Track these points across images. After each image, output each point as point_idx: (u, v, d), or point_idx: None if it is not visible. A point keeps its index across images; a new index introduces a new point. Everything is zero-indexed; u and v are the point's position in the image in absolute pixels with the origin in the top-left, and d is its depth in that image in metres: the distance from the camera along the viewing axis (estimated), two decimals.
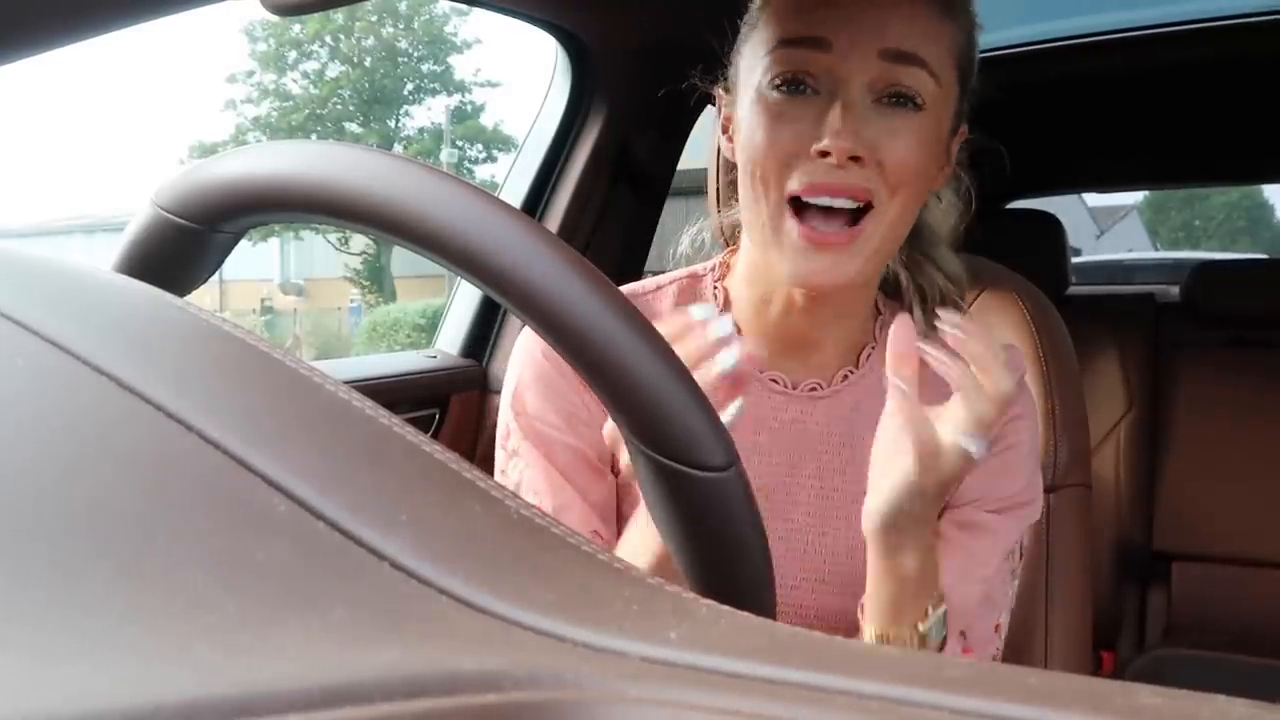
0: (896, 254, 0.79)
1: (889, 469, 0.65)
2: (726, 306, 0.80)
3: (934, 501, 0.66)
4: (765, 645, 0.21)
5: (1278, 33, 1.63)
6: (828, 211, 0.68)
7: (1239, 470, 1.94)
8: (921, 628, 0.68)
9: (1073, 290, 2.18)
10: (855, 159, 0.66)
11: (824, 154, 0.66)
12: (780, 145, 0.68)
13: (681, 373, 0.40)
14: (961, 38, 0.72)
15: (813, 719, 0.18)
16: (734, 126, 0.75)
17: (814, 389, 0.78)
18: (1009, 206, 2.41)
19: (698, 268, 0.84)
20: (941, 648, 0.69)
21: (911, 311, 0.80)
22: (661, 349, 0.40)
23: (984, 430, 0.62)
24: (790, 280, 0.70)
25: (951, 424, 0.63)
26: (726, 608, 0.24)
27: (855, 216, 0.68)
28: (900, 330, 0.64)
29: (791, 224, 0.68)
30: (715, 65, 0.79)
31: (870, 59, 0.67)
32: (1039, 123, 2.08)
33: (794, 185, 0.68)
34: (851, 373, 0.79)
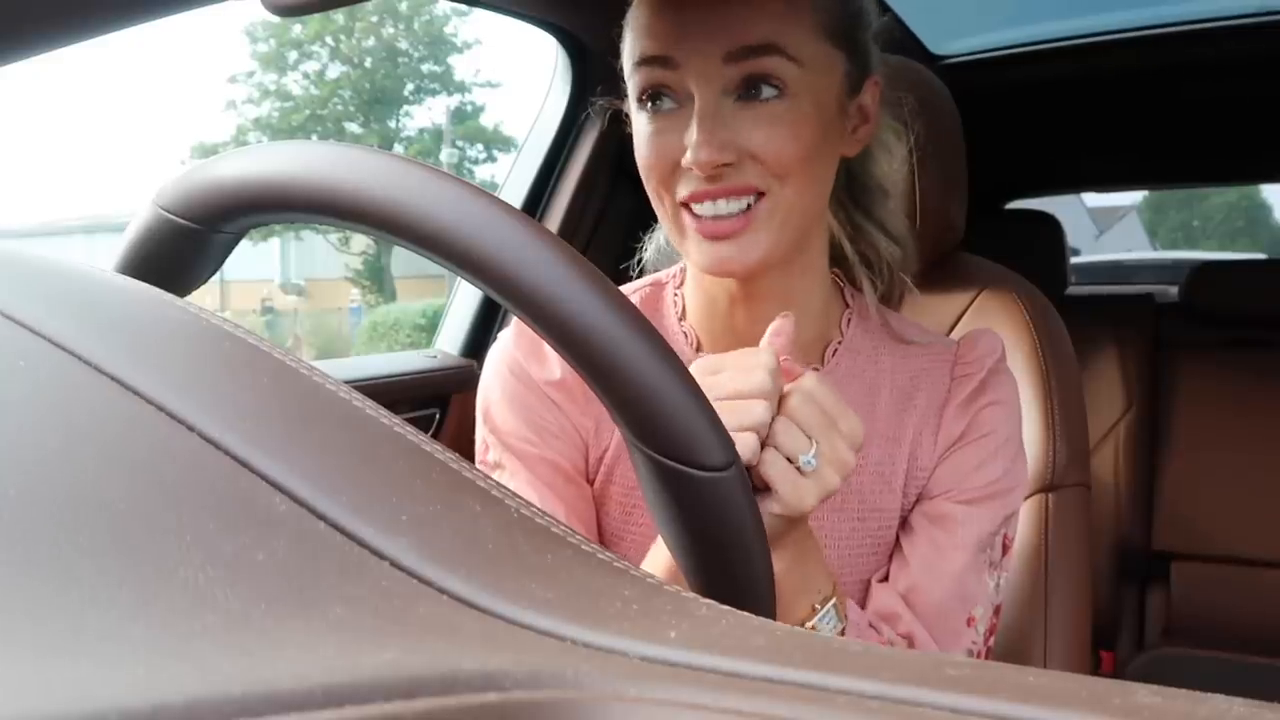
0: (838, 225, 0.79)
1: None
2: (684, 314, 0.80)
3: (802, 524, 0.64)
4: (765, 645, 0.21)
5: (1278, 33, 1.63)
6: (714, 219, 0.69)
7: (1238, 470, 1.94)
8: (809, 624, 0.66)
9: (1072, 290, 2.18)
10: (727, 164, 0.67)
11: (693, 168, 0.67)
12: (657, 160, 0.69)
13: (681, 373, 0.41)
14: (821, 5, 0.70)
15: (813, 719, 0.18)
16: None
17: None
18: (1008, 206, 2.41)
19: (660, 275, 0.84)
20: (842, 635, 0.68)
21: (860, 287, 0.80)
22: (662, 349, 0.40)
23: (805, 441, 0.59)
24: (702, 269, 0.71)
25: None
26: (726, 608, 0.24)
27: (747, 207, 0.69)
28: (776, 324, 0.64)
29: (689, 219, 0.69)
30: None
31: (716, 66, 0.67)
32: (1039, 123, 2.09)
33: (681, 194, 0.69)
34: (816, 369, 0.77)
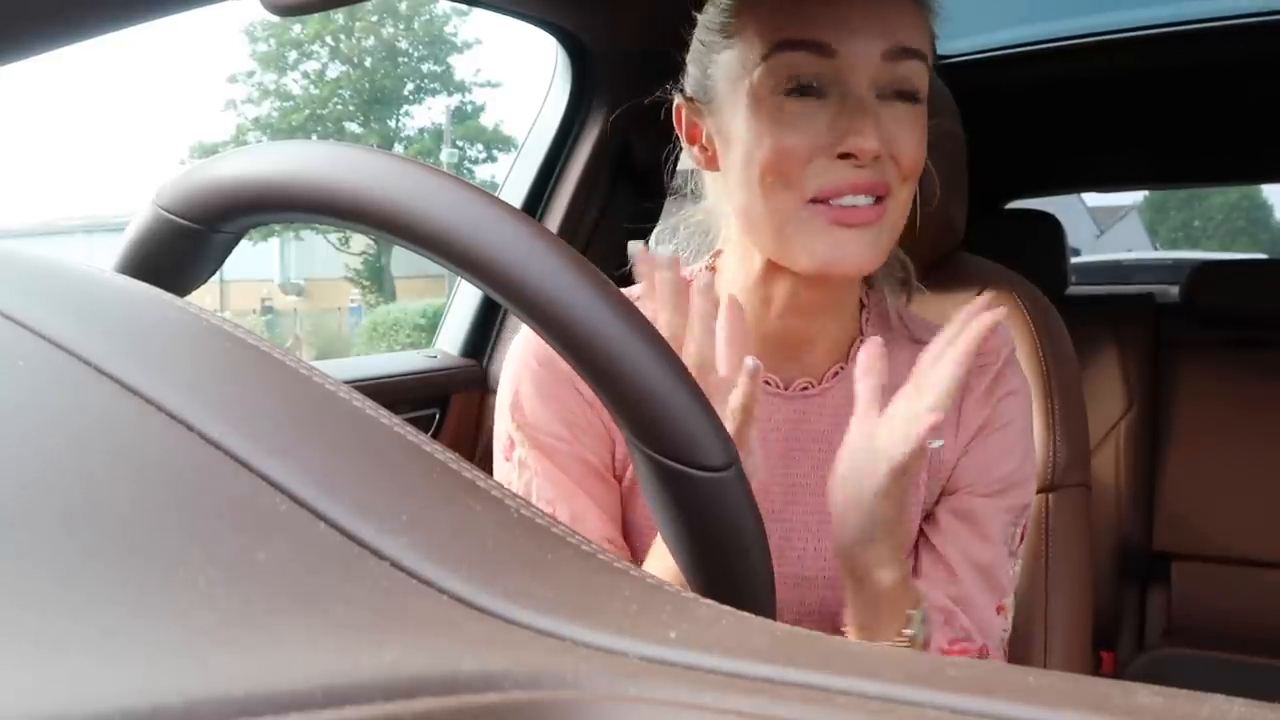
0: None
1: (855, 500, 0.65)
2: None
3: (899, 508, 0.65)
4: (765, 645, 0.21)
5: (1278, 33, 1.63)
6: (852, 208, 0.69)
7: (1239, 470, 1.94)
8: (907, 632, 0.68)
9: (1073, 290, 2.18)
10: (876, 157, 0.68)
11: (845, 155, 0.67)
12: (796, 150, 0.68)
13: (682, 373, 0.41)
14: (932, 20, 0.73)
15: (813, 719, 0.18)
16: (715, 134, 0.74)
17: (806, 388, 0.78)
18: (1008, 206, 2.41)
19: (684, 273, 0.83)
20: (926, 644, 0.69)
21: (873, 285, 0.82)
22: (662, 349, 0.40)
23: (936, 428, 0.62)
24: (813, 266, 0.70)
25: (904, 428, 0.63)
26: (726, 608, 0.24)
27: (877, 201, 0.69)
28: (868, 349, 0.66)
29: (818, 211, 0.68)
30: None
31: (874, 60, 0.68)
32: (1039, 123, 2.09)
33: (814, 187, 0.68)
34: (842, 368, 0.79)
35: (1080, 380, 1.07)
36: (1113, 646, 1.97)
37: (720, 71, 0.73)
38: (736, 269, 0.78)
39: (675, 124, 0.78)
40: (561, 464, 0.74)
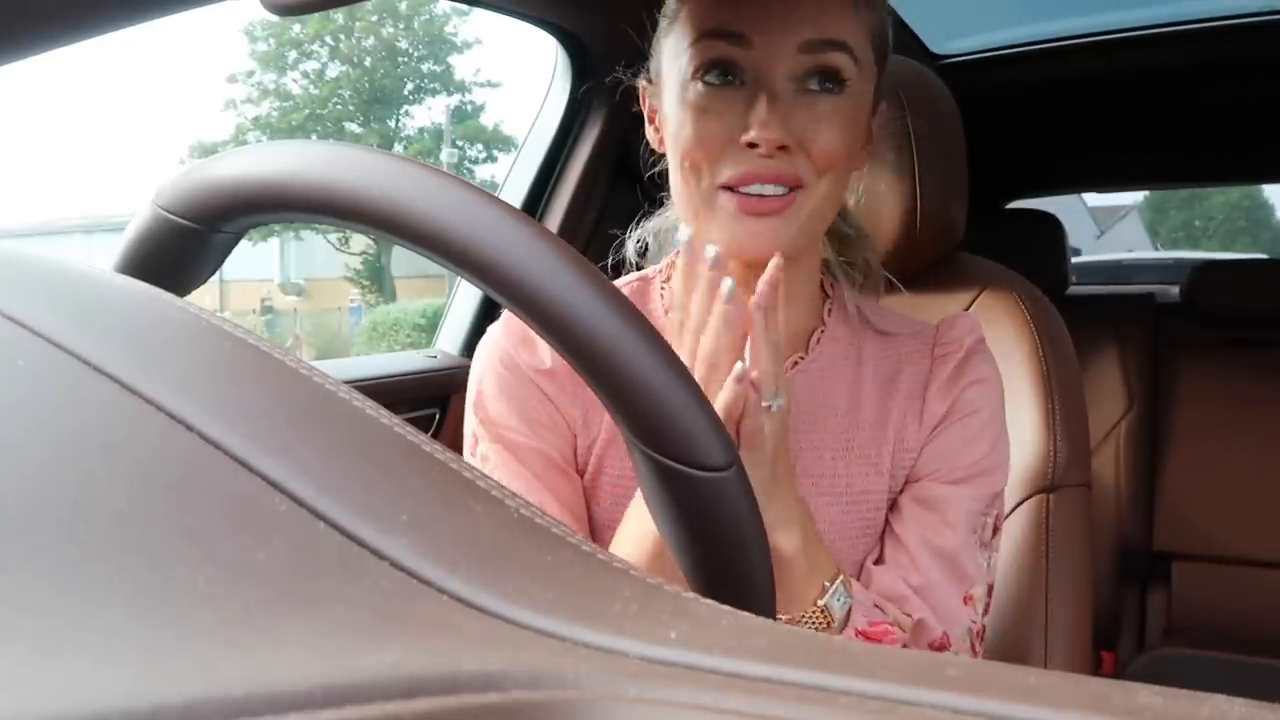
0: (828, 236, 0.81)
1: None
2: (671, 307, 0.81)
3: (769, 468, 0.65)
4: (765, 645, 0.21)
5: (1278, 33, 1.63)
6: (759, 197, 0.70)
7: (1239, 470, 1.94)
8: (822, 602, 0.69)
9: (1073, 290, 2.18)
10: (783, 148, 0.68)
11: (752, 145, 0.68)
12: (709, 137, 0.70)
13: (681, 373, 0.41)
14: (876, 20, 0.73)
15: (813, 719, 0.18)
16: (660, 118, 0.76)
17: None
18: (1008, 206, 2.41)
19: (648, 271, 0.85)
20: (848, 617, 0.70)
21: (837, 278, 0.83)
22: (662, 349, 0.40)
23: (774, 386, 0.64)
24: (729, 251, 0.70)
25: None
26: (726, 608, 0.24)
27: (787, 192, 0.70)
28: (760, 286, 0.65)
29: (727, 198, 0.70)
30: None
31: (790, 52, 0.69)
32: (1039, 123, 2.09)
33: (725, 175, 0.69)
34: (801, 359, 0.79)
35: (1080, 380, 1.07)
36: (1113, 646, 1.98)
37: (664, 55, 0.75)
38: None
39: (640, 103, 0.80)
40: (522, 457, 0.76)
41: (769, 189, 0.69)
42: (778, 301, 0.64)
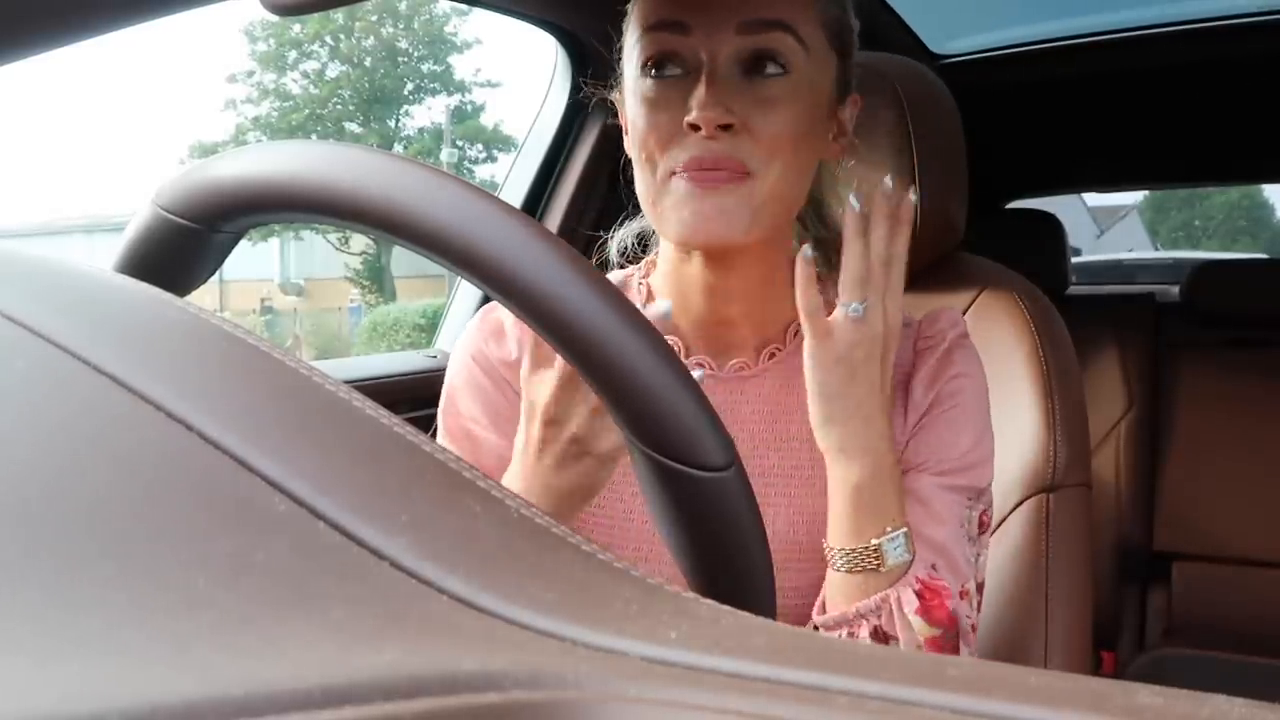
0: (803, 231, 0.82)
1: (815, 387, 0.70)
2: (649, 300, 0.82)
3: (857, 385, 0.69)
4: (765, 645, 0.21)
5: (1278, 33, 1.63)
6: (709, 172, 0.70)
7: (1239, 470, 1.94)
8: (876, 541, 0.70)
9: (1073, 290, 2.18)
10: (725, 127, 0.68)
11: (695, 127, 0.68)
12: (657, 127, 0.70)
13: (681, 373, 0.41)
14: (831, 9, 0.73)
15: (812, 719, 0.18)
16: (623, 115, 0.78)
17: (741, 369, 0.79)
18: (1008, 206, 2.41)
19: (629, 270, 0.86)
20: (905, 571, 0.71)
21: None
22: (662, 349, 0.40)
23: (860, 291, 0.67)
24: (680, 235, 0.71)
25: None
26: (726, 608, 0.24)
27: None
28: (801, 268, 0.68)
29: (677, 181, 0.70)
30: None
31: (728, 35, 0.69)
32: (1039, 123, 2.09)
33: (674, 161, 0.70)
34: (779, 349, 0.79)
35: (1080, 380, 1.07)
36: (1113, 646, 1.98)
37: (624, 54, 0.76)
38: (661, 259, 0.81)
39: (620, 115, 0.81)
40: (480, 453, 0.76)
41: (716, 175, 0.69)
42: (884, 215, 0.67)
